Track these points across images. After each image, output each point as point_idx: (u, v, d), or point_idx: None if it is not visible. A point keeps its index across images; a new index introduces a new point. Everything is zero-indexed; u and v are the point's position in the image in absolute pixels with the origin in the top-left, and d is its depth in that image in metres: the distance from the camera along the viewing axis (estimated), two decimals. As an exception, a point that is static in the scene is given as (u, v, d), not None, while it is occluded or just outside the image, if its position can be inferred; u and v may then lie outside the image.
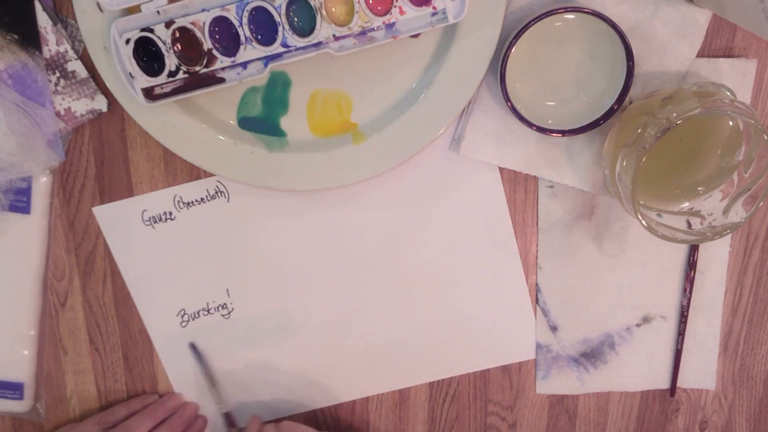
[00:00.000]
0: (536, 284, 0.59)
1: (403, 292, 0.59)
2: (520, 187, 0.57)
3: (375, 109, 0.53)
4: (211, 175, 0.56)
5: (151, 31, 0.48)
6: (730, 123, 0.49)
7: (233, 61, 0.49)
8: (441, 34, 0.52)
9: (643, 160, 0.45)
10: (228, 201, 0.57)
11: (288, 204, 0.57)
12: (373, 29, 0.49)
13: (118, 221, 0.57)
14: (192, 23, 0.48)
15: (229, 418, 0.59)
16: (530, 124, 0.50)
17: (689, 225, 0.50)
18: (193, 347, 0.59)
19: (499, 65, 0.49)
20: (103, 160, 0.56)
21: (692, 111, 0.44)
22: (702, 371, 0.60)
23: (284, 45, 0.49)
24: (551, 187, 0.57)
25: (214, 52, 0.49)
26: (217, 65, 0.49)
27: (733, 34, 0.53)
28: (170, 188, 0.57)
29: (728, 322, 0.60)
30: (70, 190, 0.57)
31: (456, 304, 0.59)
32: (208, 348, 0.60)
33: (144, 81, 0.49)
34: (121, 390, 0.61)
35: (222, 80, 0.50)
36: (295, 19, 0.49)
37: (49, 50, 0.52)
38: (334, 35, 0.48)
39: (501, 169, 0.56)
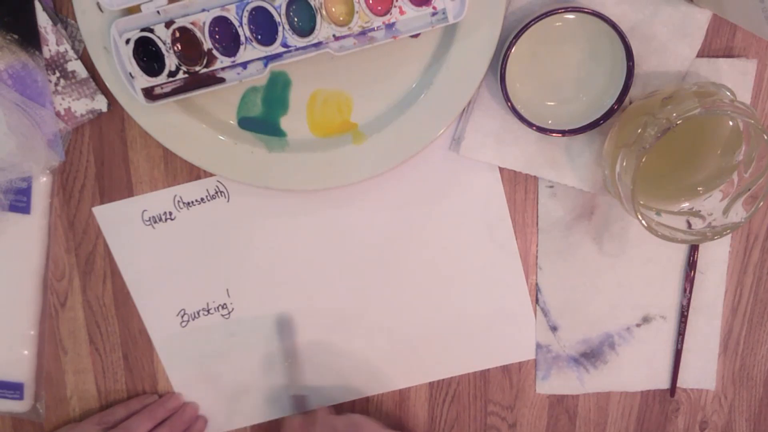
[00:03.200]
0: (536, 284, 0.59)
1: (403, 292, 0.59)
2: (520, 187, 0.57)
3: (375, 109, 0.53)
4: (211, 175, 0.56)
5: (151, 31, 0.48)
6: (730, 123, 0.49)
7: (233, 61, 0.49)
8: (441, 34, 0.52)
9: (643, 160, 0.45)
10: (228, 201, 0.57)
11: (288, 204, 0.57)
12: (373, 29, 0.49)
13: (118, 221, 0.57)
14: (192, 23, 0.48)
15: (297, 401, 0.59)
16: (530, 124, 0.50)
17: (689, 225, 0.50)
18: (284, 321, 0.58)
19: (499, 65, 0.49)
20: (103, 160, 0.56)
21: (692, 111, 0.44)
22: (702, 371, 0.60)
23: (284, 45, 0.49)
24: (551, 187, 0.57)
25: (214, 52, 0.49)
26: (217, 65, 0.49)
27: (733, 34, 0.53)
28: (170, 188, 0.57)
29: (728, 322, 0.60)
30: (70, 190, 0.57)
31: (456, 304, 0.59)
32: (208, 348, 0.60)
33: (144, 81, 0.49)
34: (121, 390, 0.61)
35: (222, 80, 0.50)
36: (295, 19, 0.49)
37: (49, 50, 0.52)
38: (334, 35, 0.49)
39: (501, 169, 0.56)
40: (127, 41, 0.48)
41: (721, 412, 0.62)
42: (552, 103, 0.52)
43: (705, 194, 0.50)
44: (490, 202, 0.57)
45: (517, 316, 0.59)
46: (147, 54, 0.49)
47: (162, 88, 0.50)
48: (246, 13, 0.48)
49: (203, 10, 0.48)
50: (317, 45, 0.49)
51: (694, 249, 0.57)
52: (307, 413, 0.58)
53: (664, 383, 0.61)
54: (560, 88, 0.52)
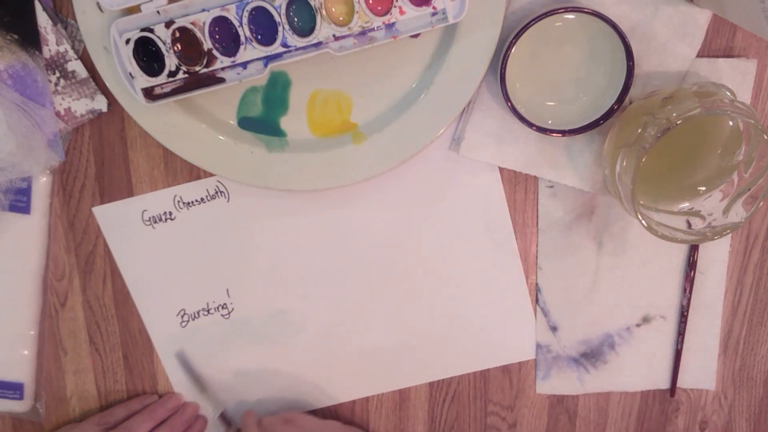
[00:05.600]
0: (536, 284, 0.59)
1: (403, 292, 0.59)
2: (520, 187, 0.57)
3: (375, 109, 0.53)
4: (211, 175, 0.56)
5: (151, 31, 0.48)
6: (730, 123, 0.49)
7: (233, 61, 0.49)
8: (441, 34, 0.52)
9: (643, 160, 0.45)
10: (228, 201, 0.57)
11: (288, 204, 0.57)
12: (373, 29, 0.49)
13: (118, 221, 0.57)
14: (192, 23, 0.48)
15: (225, 419, 0.59)
16: (530, 124, 0.50)
17: (689, 225, 0.50)
18: (180, 357, 0.59)
19: (499, 65, 0.49)
20: (103, 160, 0.56)
21: (692, 111, 0.44)
22: (702, 371, 0.60)
23: (284, 45, 0.49)
24: (551, 187, 0.57)
25: (214, 52, 0.49)
26: (217, 65, 0.49)
27: (733, 34, 0.53)
28: (170, 188, 0.57)
29: (728, 322, 0.60)
30: (70, 190, 0.57)
31: (456, 304, 0.59)
32: (208, 348, 0.60)
33: (144, 81, 0.49)
34: (121, 390, 0.61)
35: (222, 80, 0.50)
36: (295, 19, 0.49)
37: (49, 50, 0.52)
38: (334, 35, 0.49)
39: (501, 169, 0.56)
40: (127, 41, 0.48)
41: (721, 412, 0.62)
42: (552, 103, 0.52)
43: (705, 194, 0.50)
44: (490, 202, 0.57)
45: (517, 316, 0.59)
46: (147, 54, 0.49)
47: (162, 88, 0.50)
48: (246, 13, 0.48)
49: (203, 10, 0.48)
50: (317, 45, 0.49)
51: (694, 249, 0.57)
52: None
53: (664, 383, 0.61)
54: (560, 88, 0.52)
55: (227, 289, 0.59)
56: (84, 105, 0.54)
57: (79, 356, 0.60)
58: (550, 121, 0.51)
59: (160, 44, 0.48)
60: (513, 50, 0.49)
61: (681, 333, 0.59)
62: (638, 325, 0.59)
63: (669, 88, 0.50)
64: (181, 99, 0.50)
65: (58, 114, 0.54)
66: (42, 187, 0.55)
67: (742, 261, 0.58)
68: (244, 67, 0.50)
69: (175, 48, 0.48)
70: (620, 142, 0.49)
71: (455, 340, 0.60)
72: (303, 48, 0.49)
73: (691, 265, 0.58)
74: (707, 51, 0.53)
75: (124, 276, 0.58)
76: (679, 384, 0.60)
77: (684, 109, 0.45)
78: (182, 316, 0.59)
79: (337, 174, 0.53)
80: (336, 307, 0.59)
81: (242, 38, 0.48)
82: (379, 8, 0.48)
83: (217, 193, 0.57)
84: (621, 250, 0.58)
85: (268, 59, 0.49)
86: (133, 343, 0.60)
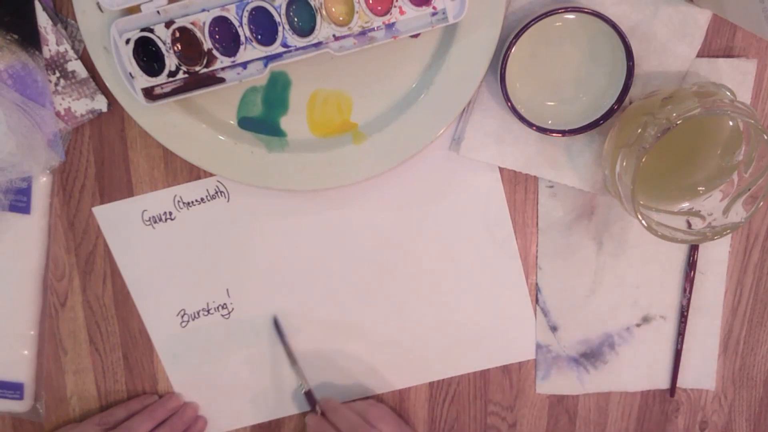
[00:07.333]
0: (536, 284, 0.59)
1: (403, 292, 0.59)
2: (520, 187, 0.57)
3: (375, 109, 0.53)
4: (211, 175, 0.56)
5: (151, 31, 0.48)
6: (730, 123, 0.49)
7: (233, 61, 0.49)
8: (441, 34, 0.52)
9: (643, 160, 0.45)
10: (228, 201, 0.57)
11: (288, 204, 0.57)
12: (373, 29, 0.49)
13: (118, 221, 0.57)
14: (192, 23, 0.48)
15: (310, 397, 0.59)
16: (530, 124, 0.50)
17: (689, 225, 0.50)
18: (276, 323, 0.59)
19: (499, 65, 0.49)
20: (103, 160, 0.56)
21: (692, 111, 0.44)
22: (702, 371, 0.60)
23: (284, 45, 0.49)
24: (551, 187, 0.57)
25: (214, 52, 0.49)
26: (217, 65, 0.49)
27: (733, 34, 0.53)
28: (170, 188, 0.57)
29: (728, 322, 0.60)
30: (70, 190, 0.57)
31: (456, 304, 0.59)
32: (208, 348, 0.60)
33: (144, 81, 0.49)
34: (121, 390, 0.61)
35: (222, 80, 0.50)
36: (295, 19, 0.49)
37: (49, 50, 0.52)
38: (334, 35, 0.49)
39: (501, 169, 0.56)
40: (127, 41, 0.48)
41: (721, 412, 0.62)
42: (552, 103, 0.52)
43: (705, 194, 0.50)
44: (490, 202, 0.57)
45: (517, 316, 0.59)
46: (147, 54, 0.49)
47: (162, 88, 0.50)
48: (246, 13, 0.48)
49: (203, 10, 0.48)
50: (317, 45, 0.49)
51: (694, 249, 0.57)
52: (320, 407, 0.58)
53: (664, 383, 0.61)
54: (560, 88, 0.52)
55: (227, 289, 0.59)
56: (84, 105, 0.54)
57: (79, 356, 0.60)
58: (550, 121, 0.51)
59: (160, 44, 0.48)
60: (513, 50, 0.49)
61: (681, 333, 0.59)
62: (638, 325, 0.59)
63: (669, 88, 0.50)
64: (181, 99, 0.50)
65: (58, 114, 0.54)
66: (42, 187, 0.55)
67: (742, 261, 0.58)
68: (244, 67, 0.50)
69: (175, 48, 0.48)
70: (620, 142, 0.49)
71: (455, 340, 0.60)
72: (303, 48, 0.49)
73: (691, 265, 0.58)
74: (707, 51, 0.53)
75: (124, 276, 0.58)
76: (679, 384, 0.60)
77: (684, 109, 0.45)
78: (182, 316, 0.59)
79: (337, 174, 0.53)
80: (336, 307, 0.59)
81: (242, 38, 0.48)
82: (379, 8, 0.48)
83: (217, 193, 0.57)
84: (621, 250, 0.58)
85: (268, 59, 0.49)
86: (133, 343, 0.60)
